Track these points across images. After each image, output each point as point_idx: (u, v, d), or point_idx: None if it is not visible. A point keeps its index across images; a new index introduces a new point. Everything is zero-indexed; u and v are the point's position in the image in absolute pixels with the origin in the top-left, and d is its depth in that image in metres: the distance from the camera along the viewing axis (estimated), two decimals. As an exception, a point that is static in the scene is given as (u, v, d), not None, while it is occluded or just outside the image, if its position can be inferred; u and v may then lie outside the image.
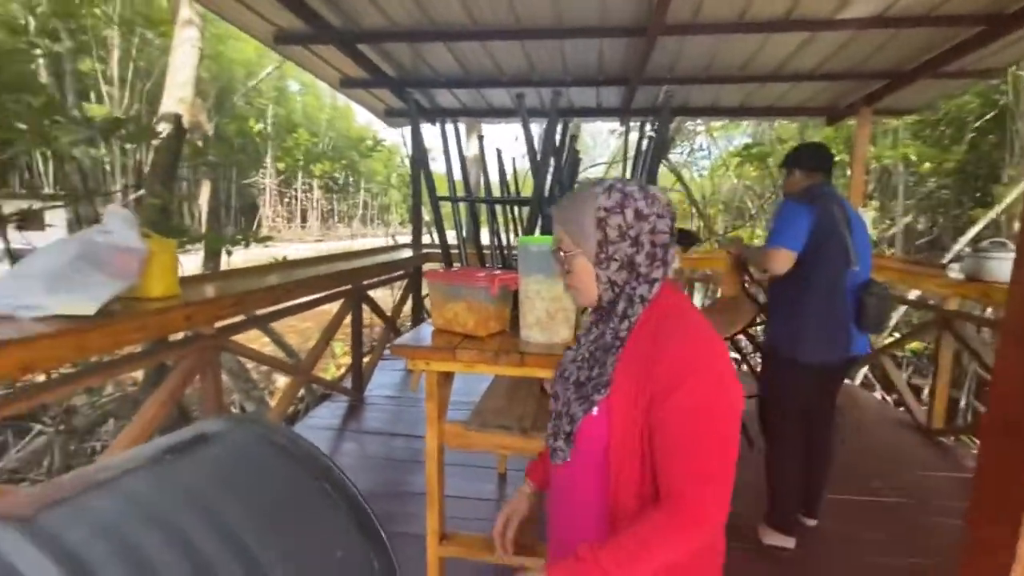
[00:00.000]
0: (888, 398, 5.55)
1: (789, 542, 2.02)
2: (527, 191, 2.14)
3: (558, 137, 1.98)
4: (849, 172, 4.51)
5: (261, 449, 0.67)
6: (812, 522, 2.15)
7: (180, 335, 2.31)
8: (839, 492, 2.38)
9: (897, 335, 4.64)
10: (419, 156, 2.14)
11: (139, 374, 5.06)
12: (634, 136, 2.65)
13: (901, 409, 3.72)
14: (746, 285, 2.50)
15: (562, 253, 0.90)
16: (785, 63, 3.36)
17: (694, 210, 8.05)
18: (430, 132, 5.75)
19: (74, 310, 1.47)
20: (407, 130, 6.14)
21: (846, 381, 4.09)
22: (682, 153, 9.37)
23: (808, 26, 2.76)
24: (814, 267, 1.89)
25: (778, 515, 2.04)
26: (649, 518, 0.77)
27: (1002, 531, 0.57)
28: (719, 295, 3.73)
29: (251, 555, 0.53)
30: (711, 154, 9.76)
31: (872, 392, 5.66)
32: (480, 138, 2.24)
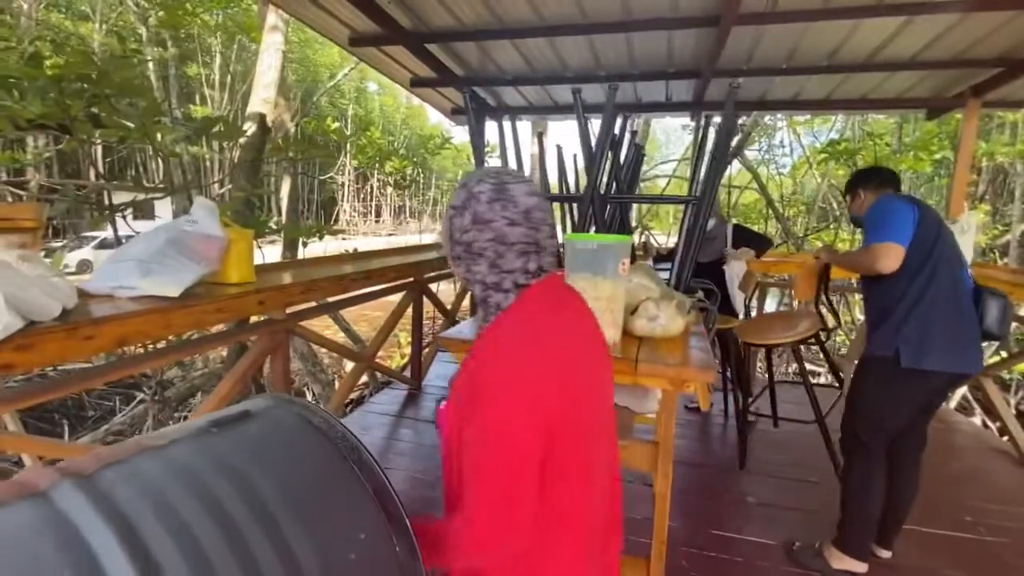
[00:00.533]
0: (991, 425, 4.96)
1: (861, 567, 1.86)
2: (585, 188, 2.10)
3: (617, 132, 1.94)
4: (952, 170, 4.06)
5: (298, 428, 0.71)
6: (887, 554, 1.96)
7: (256, 319, 2.50)
8: (922, 523, 2.16)
9: (1004, 354, 4.13)
10: (478, 154, 2.17)
11: (225, 353, 5.53)
12: (708, 132, 2.53)
13: (1005, 439, 3.31)
14: (821, 296, 2.33)
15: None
16: (879, 51, 3.07)
17: (770, 211, 7.57)
18: (496, 130, 5.82)
19: (162, 291, 1.62)
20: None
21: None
22: (760, 150, 8.84)
23: (906, 10, 2.50)
24: (934, 263, 1.70)
25: (852, 538, 1.88)
26: (445, 524, 0.77)
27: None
28: (794, 302, 3.50)
29: (277, 526, 0.57)
30: (793, 151, 9.13)
31: (970, 417, 5.09)
32: (539, 135, 2.23)
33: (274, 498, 0.59)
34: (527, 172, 2.08)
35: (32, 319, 1.28)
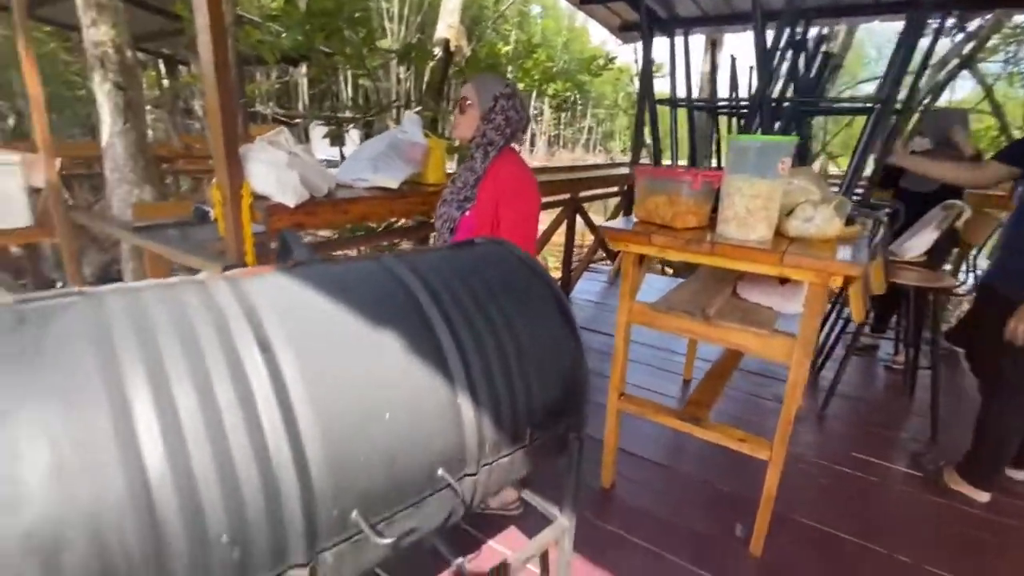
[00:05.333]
0: None
1: (983, 496, 1.85)
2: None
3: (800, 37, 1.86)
4: None
5: (508, 256, 1.02)
6: (1022, 475, 1.87)
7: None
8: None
9: None
10: (646, 68, 2.25)
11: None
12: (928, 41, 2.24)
13: None
14: None
15: (467, 101, 1.52)
16: None
17: (1003, 139, 6.08)
18: (663, 48, 5.50)
19: (385, 183, 2.10)
20: (640, 47, 5.99)
21: None
22: (1007, 62, 6.96)
23: None
24: None
25: (977, 470, 1.85)
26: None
27: None
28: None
29: (501, 304, 0.88)
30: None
31: None
32: (712, 44, 2.20)
33: (499, 288, 0.91)
34: (696, 88, 2.10)
35: (312, 194, 1.80)
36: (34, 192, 2.67)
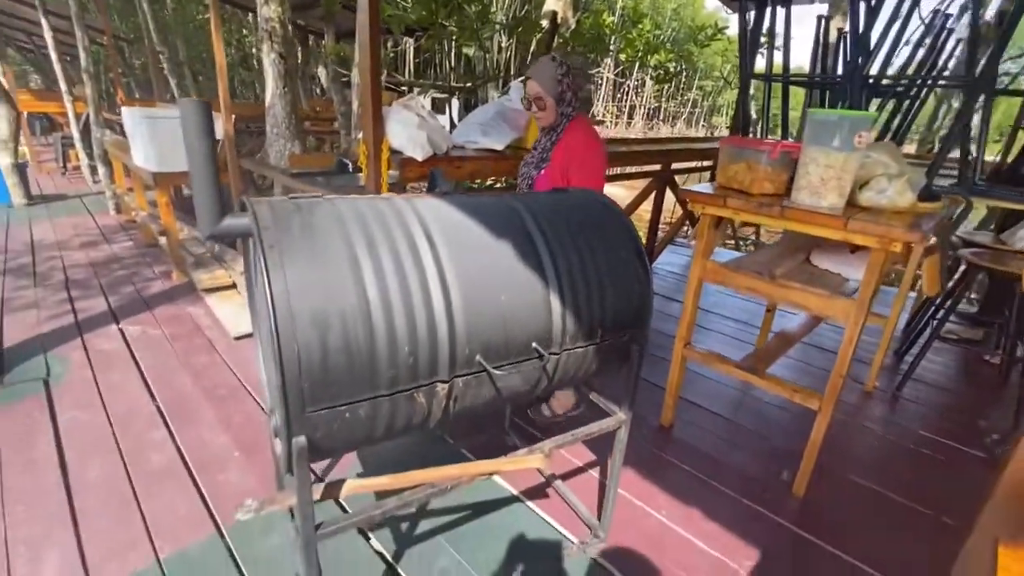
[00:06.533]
0: None
1: None
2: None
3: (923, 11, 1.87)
4: None
5: (594, 201, 1.27)
6: None
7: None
8: None
9: None
10: (751, 40, 2.33)
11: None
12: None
13: None
14: None
15: (541, 99, 1.76)
16: None
17: None
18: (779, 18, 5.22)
19: (492, 146, 2.40)
20: (753, 16, 5.70)
21: None
22: None
23: None
24: None
25: None
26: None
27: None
28: None
29: (587, 233, 1.15)
30: None
31: None
32: (821, 18, 2.23)
33: (585, 221, 1.17)
34: (807, 61, 2.17)
35: (435, 152, 2.15)
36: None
